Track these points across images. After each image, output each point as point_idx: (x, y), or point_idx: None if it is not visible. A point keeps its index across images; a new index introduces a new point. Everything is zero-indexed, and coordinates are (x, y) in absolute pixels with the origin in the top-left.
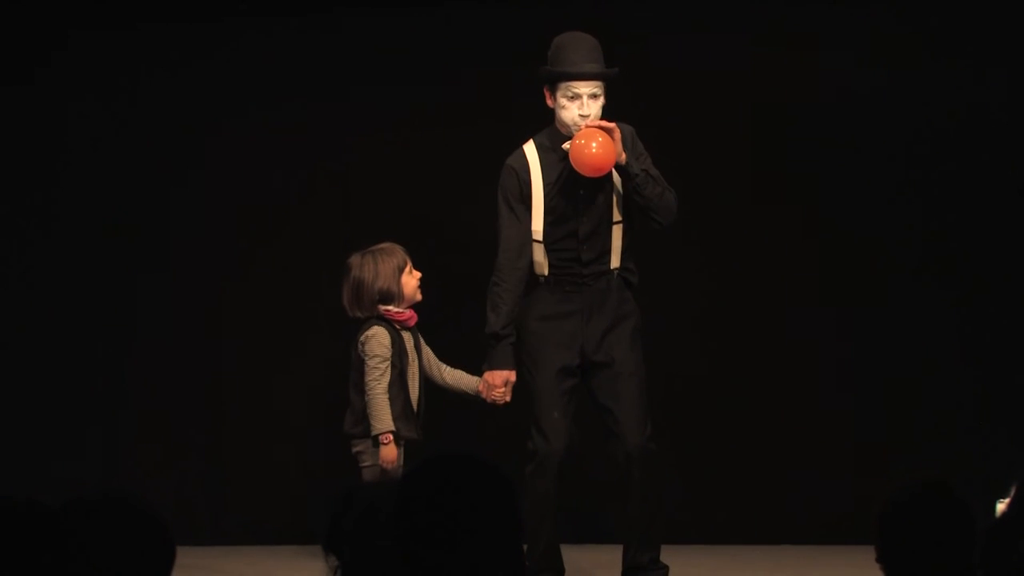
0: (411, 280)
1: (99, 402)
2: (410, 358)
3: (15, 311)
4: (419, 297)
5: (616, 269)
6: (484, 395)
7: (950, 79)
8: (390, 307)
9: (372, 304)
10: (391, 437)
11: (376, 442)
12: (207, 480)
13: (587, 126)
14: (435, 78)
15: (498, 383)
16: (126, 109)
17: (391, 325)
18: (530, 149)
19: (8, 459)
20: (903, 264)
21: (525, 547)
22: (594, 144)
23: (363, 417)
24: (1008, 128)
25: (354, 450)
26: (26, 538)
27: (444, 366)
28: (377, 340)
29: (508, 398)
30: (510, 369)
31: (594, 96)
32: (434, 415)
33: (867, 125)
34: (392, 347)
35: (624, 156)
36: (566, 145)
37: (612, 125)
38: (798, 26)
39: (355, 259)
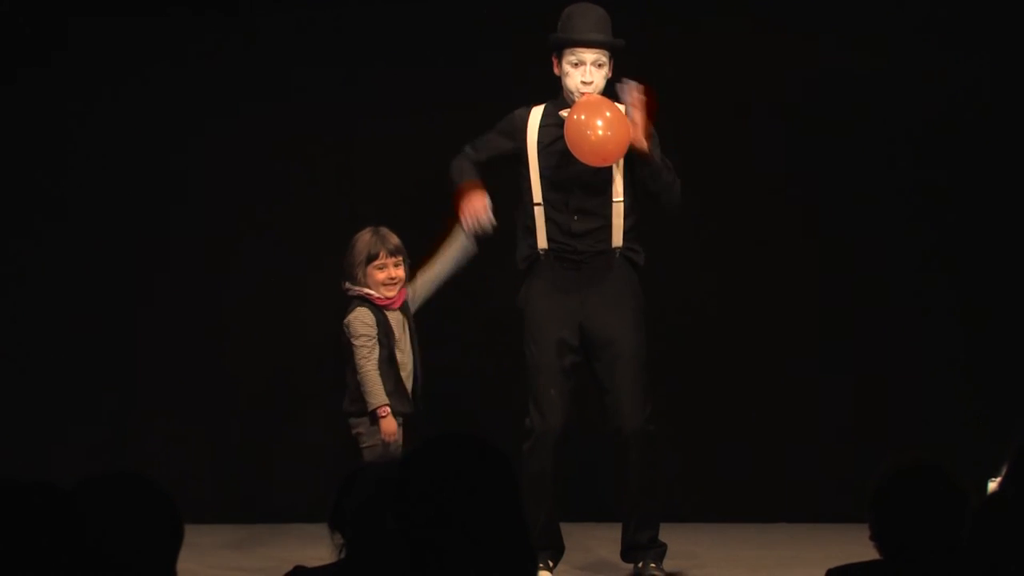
0: (376, 274)
1: (106, 386)
2: (397, 336)
3: (25, 295)
4: (387, 293)
5: (619, 248)
6: (468, 217)
7: (952, 76)
8: (362, 289)
9: (347, 275)
10: (388, 410)
11: (374, 419)
12: (213, 460)
13: (589, 98)
14: (437, 64)
15: (476, 193)
16: (131, 94)
17: (373, 305)
18: (538, 108)
19: (16, 443)
20: (902, 246)
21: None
22: (599, 122)
23: (358, 396)
24: (1011, 125)
25: (353, 431)
26: (39, 518)
27: (425, 272)
28: (360, 320)
29: (492, 218)
30: (481, 185)
31: (598, 65)
32: (434, 397)
33: (867, 121)
34: (377, 326)
35: (646, 143)
36: (563, 113)
37: (638, 101)
38: (798, 21)
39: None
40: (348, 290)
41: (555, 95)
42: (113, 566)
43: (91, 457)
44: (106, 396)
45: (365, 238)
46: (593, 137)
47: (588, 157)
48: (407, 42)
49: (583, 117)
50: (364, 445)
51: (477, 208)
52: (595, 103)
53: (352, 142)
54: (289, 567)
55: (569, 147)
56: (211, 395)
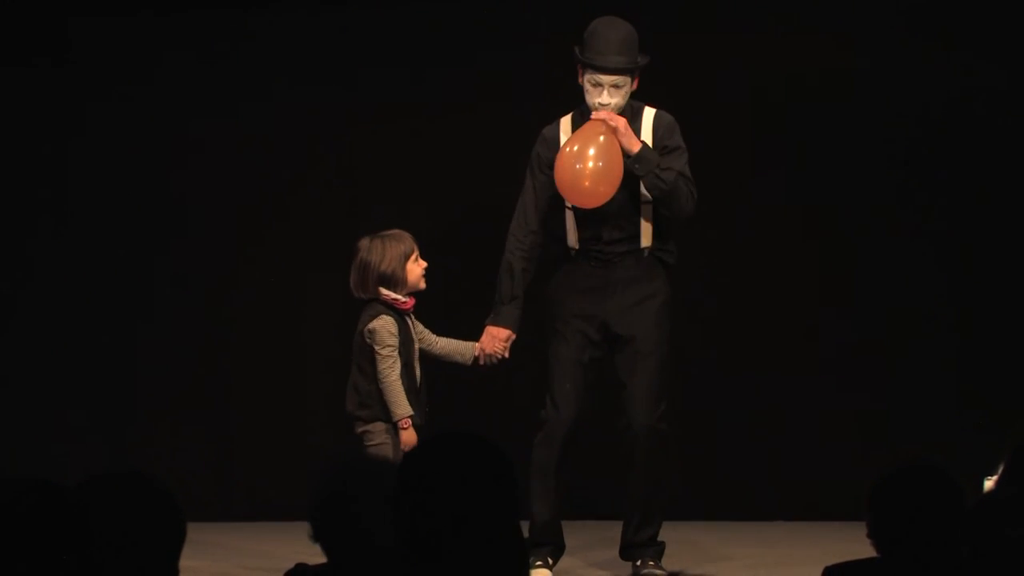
0: (416, 268)
1: (107, 386)
2: (413, 345)
3: (26, 295)
4: (423, 286)
5: (647, 248)
6: (485, 347)
7: (951, 75)
8: (391, 292)
9: (374, 285)
10: (410, 422)
11: (395, 428)
12: (214, 459)
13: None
14: (440, 65)
15: (501, 336)
16: (130, 95)
17: (397, 313)
18: (566, 120)
19: (18, 443)
20: (901, 246)
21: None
22: (584, 166)
23: (370, 402)
24: (1010, 125)
25: (359, 430)
26: (42, 517)
27: (436, 337)
28: (387, 330)
29: (507, 354)
30: (513, 329)
31: (616, 87)
32: (439, 395)
33: (867, 121)
34: (399, 335)
35: (635, 146)
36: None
37: (618, 122)
38: (798, 20)
39: (364, 242)
40: (379, 295)
41: (579, 101)
42: (116, 564)
43: (93, 456)
44: (108, 396)
45: (390, 241)
46: (587, 182)
47: (581, 201)
48: (407, 42)
49: (573, 148)
50: (371, 444)
51: (499, 338)
52: (587, 137)
53: (352, 142)
54: (290, 566)
55: (560, 190)
56: (212, 395)
